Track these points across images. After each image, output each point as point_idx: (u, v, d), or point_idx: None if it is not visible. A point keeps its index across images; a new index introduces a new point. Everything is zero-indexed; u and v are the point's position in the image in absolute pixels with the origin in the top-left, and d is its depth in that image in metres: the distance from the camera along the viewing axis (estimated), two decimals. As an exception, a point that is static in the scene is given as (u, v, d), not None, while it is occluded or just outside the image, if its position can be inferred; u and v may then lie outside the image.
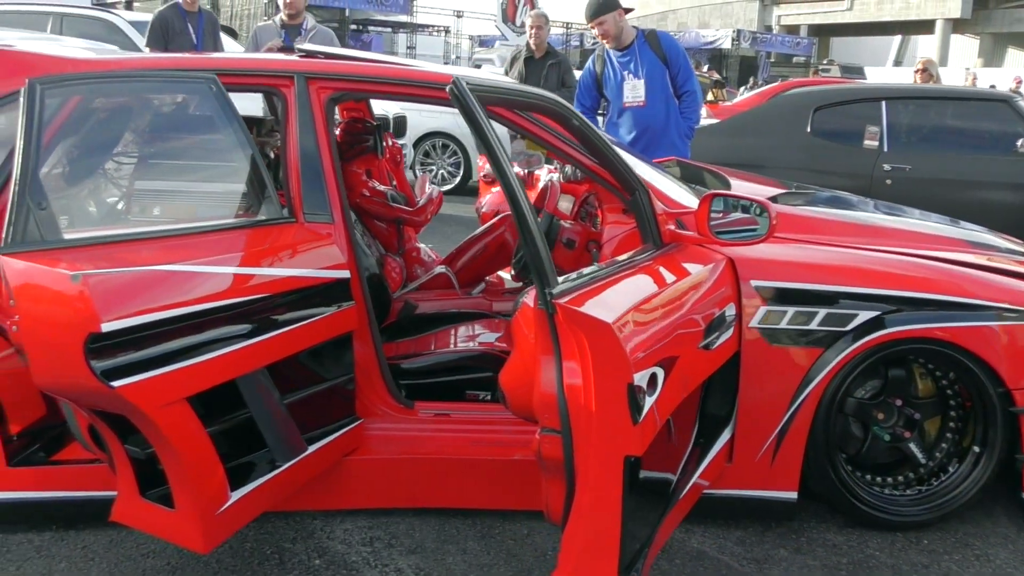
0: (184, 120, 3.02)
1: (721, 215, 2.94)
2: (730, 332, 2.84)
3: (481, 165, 5.57)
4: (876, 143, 6.94)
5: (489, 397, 3.40)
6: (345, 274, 2.94)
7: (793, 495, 3.05)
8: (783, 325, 2.96)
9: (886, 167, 6.77)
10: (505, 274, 4.77)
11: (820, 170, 6.70)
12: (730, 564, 2.88)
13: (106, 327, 2.10)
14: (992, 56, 41.96)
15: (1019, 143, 6.66)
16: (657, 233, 2.89)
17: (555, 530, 2.18)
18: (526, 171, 4.46)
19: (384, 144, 4.34)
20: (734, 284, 2.91)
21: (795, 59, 43.02)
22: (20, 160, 2.27)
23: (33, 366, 2.17)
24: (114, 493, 2.83)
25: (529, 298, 2.46)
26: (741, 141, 7.09)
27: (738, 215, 3.00)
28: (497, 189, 5.37)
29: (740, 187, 3.54)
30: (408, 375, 3.38)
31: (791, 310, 2.97)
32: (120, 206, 2.99)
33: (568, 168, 3.99)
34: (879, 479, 3.20)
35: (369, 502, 3.11)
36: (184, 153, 3.04)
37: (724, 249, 2.90)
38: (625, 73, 5.53)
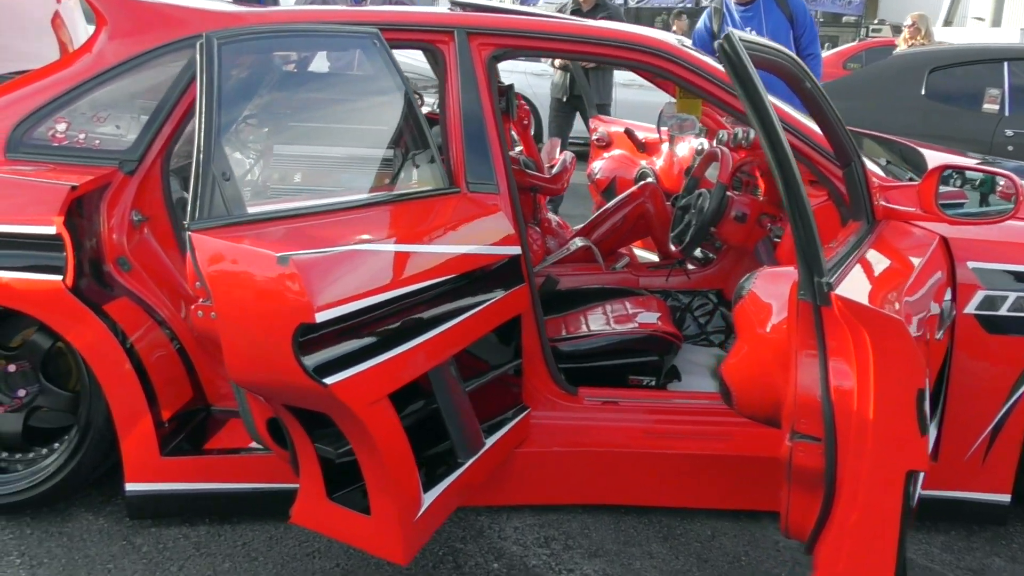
0: (348, 80, 2.76)
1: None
2: (951, 319, 2.55)
3: (593, 127, 5.26)
4: (996, 107, 6.54)
5: (654, 383, 3.14)
6: (516, 250, 2.68)
7: (1006, 498, 2.77)
8: (1003, 311, 2.66)
9: (1008, 132, 6.38)
10: (639, 250, 4.49)
11: (935, 135, 6.29)
12: (943, 573, 2.61)
13: (320, 317, 1.85)
14: (1052, 15, 40.44)
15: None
16: (871, 209, 2.59)
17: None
18: (676, 135, 4.15)
19: (515, 105, 4.05)
20: (948, 266, 2.61)
21: (844, 18, 41.85)
22: (203, 124, 2.02)
23: (229, 359, 1.92)
24: (273, 486, 2.64)
25: (756, 283, 2.19)
26: (851, 104, 6.71)
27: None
28: (610, 154, 5.08)
29: (934, 157, 3.21)
30: (567, 358, 3.12)
31: (1013, 294, 2.66)
32: (289, 176, 2.74)
33: (725, 133, 3.68)
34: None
35: (537, 497, 2.87)
36: (348, 116, 2.78)
37: (954, 228, 2.59)
38: (748, 29, 5.18)
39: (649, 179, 4.85)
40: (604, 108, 6.41)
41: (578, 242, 3.80)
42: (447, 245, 2.41)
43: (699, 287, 3.72)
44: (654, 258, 4.51)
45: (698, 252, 3.48)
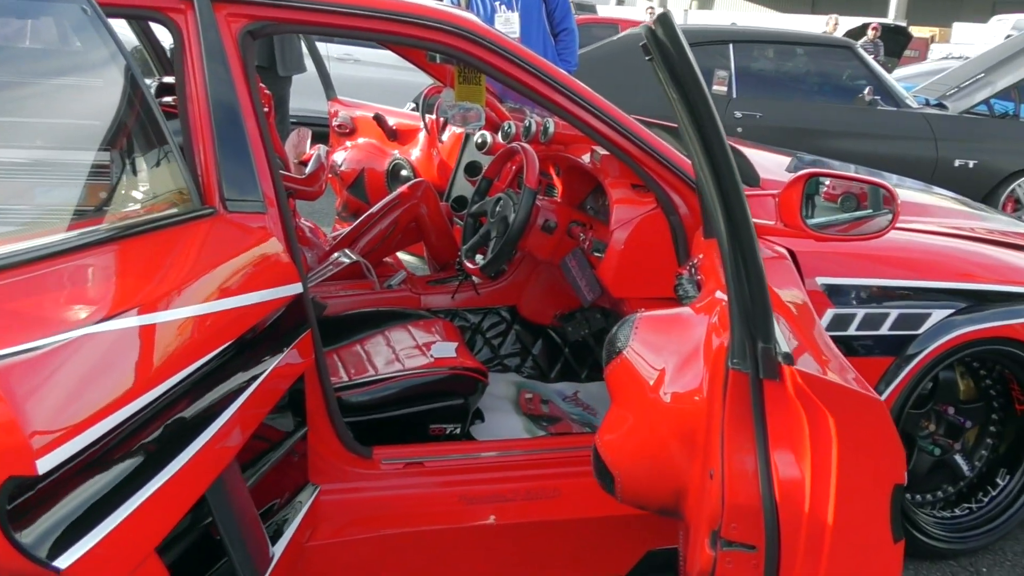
0: (47, 57, 1.94)
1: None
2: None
3: (334, 111, 4.58)
4: (725, 88, 6.60)
5: (459, 430, 2.60)
6: (297, 288, 2.04)
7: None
8: (851, 331, 2.40)
9: (737, 114, 6.46)
10: (409, 256, 3.91)
11: (671, 117, 6.27)
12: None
13: (44, 463, 1.12)
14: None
15: (864, 92, 6.56)
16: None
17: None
18: (463, 130, 3.58)
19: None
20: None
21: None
22: None
23: None
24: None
25: (638, 332, 1.71)
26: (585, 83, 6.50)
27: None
28: (355, 143, 4.45)
29: (761, 158, 2.90)
30: (353, 410, 2.51)
31: (862, 311, 2.41)
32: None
33: (510, 125, 3.18)
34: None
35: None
36: (45, 107, 1.94)
37: (803, 243, 2.26)
38: (497, 4, 4.74)
39: (404, 171, 4.29)
40: (285, 82, 5.79)
41: (344, 259, 3.16)
42: (206, 303, 1.70)
43: (490, 304, 3.22)
44: (418, 262, 3.97)
45: (477, 258, 2.98)
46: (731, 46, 6.64)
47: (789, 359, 1.33)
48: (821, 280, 2.35)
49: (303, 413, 2.18)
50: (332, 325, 2.91)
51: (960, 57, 10.82)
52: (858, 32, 13.29)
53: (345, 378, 2.59)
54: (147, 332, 1.48)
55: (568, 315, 3.21)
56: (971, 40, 18.68)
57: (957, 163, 6.39)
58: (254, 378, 1.77)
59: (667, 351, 1.65)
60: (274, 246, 2.02)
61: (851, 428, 1.36)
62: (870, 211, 2.35)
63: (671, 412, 1.60)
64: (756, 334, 1.37)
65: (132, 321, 1.44)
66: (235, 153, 2.07)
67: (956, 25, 25.65)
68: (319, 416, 2.25)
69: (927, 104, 6.83)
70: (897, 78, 8.82)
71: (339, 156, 4.51)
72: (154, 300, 1.53)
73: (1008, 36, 13.51)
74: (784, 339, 1.39)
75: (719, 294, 1.72)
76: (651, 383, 1.64)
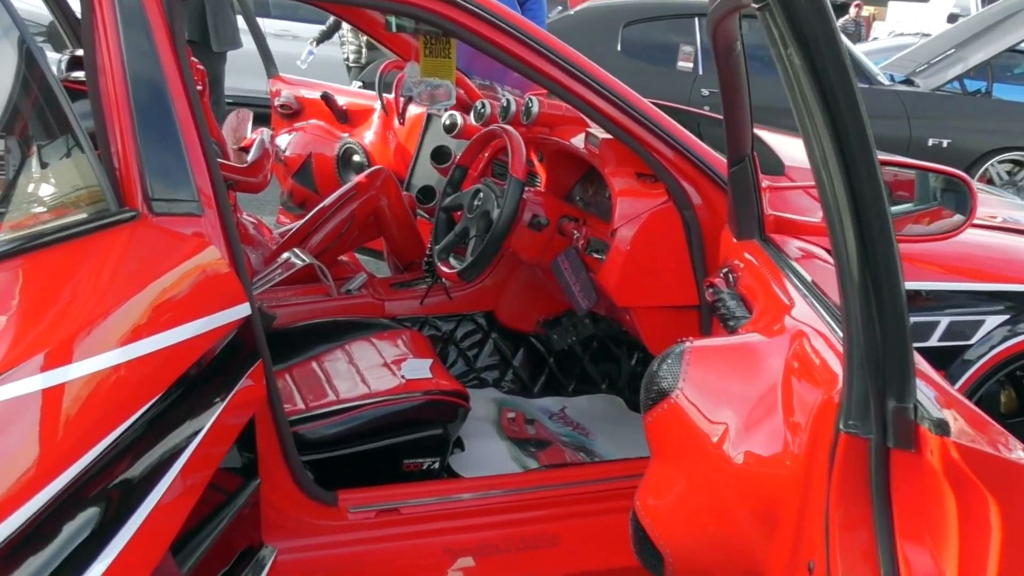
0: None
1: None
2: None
3: (276, 90, 4.12)
4: (691, 65, 6.27)
5: (437, 464, 2.21)
6: (244, 311, 1.63)
7: None
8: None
9: (704, 92, 6.13)
10: (365, 255, 3.49)
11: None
12: None
13: None
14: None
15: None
16: (761, 218, 1.83)
17: None
18: (430, 110, 3.16)
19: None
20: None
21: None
22: None
23: None
24: None
25: (689, 369, 1.34)
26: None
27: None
28: (301, 125, 4.02)
29: (773, 140, 2.54)
30: (313, 447, 2.10)
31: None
32: None
33: (485, 104, 2.78)
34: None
35: None
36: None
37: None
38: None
39: (357, 156, 3.86)
40: (220, 59, 5.31)
41: (296, 260, 2.73)
42: (128, 347, 1.27)
43: (464, 309, 2.82)
44: (374, 261, 3.56)
45: (452, 260, 2.60)
46: (697, 20, 6.28)
47: (945, 428, 0.97)
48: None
49: (252, 457, 1.78)
50: (283, 339, 2.50)
51: (917, 34, 10.64)
52: (840, 9, 13.13)
53: (301, 406, 2.18)
54: (51, 397, 1.06)
55: (553, 321, 2.83)
56: (903, 18, 18.62)
57: (931, 142, 6.16)
58: (193, 435, 1.36)
59: (732, 395, 1.29)
60: (213, 257, 1.60)
61: (1022, 518, 1.00)
62: (913, 205, 2.01)
63: (743, 477, 1.24)
64: (886, 390, 1.00)
65: (23, 386, 1.03)
66: (162, 140, 1.64)
67: (891, 4, 25.70)
68: (273, 460, 1.85)
69: (892, 81, 6.57)
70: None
71: (283, 140, 4.07)
72: (56, 349, 1.11)
73: (950, 15, 13.40)
74: (931, 399, 1.02)
75: (792, 319, 1.36)
76: (713, 438, 1.27)
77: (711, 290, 1.76)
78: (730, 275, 1.75)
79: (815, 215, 1.99)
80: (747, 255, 1.73)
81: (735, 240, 1.82)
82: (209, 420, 1.43)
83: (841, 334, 1.25)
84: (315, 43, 6.28)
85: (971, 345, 2.12)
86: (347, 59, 6.85)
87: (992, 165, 6.33)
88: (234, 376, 1.57)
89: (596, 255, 2.23)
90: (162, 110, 1.64)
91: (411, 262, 3.02)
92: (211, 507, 1.64)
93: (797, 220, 1.88)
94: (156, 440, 1.24)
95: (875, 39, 13.59)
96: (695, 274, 2.10)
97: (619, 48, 6.15)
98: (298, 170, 3.99)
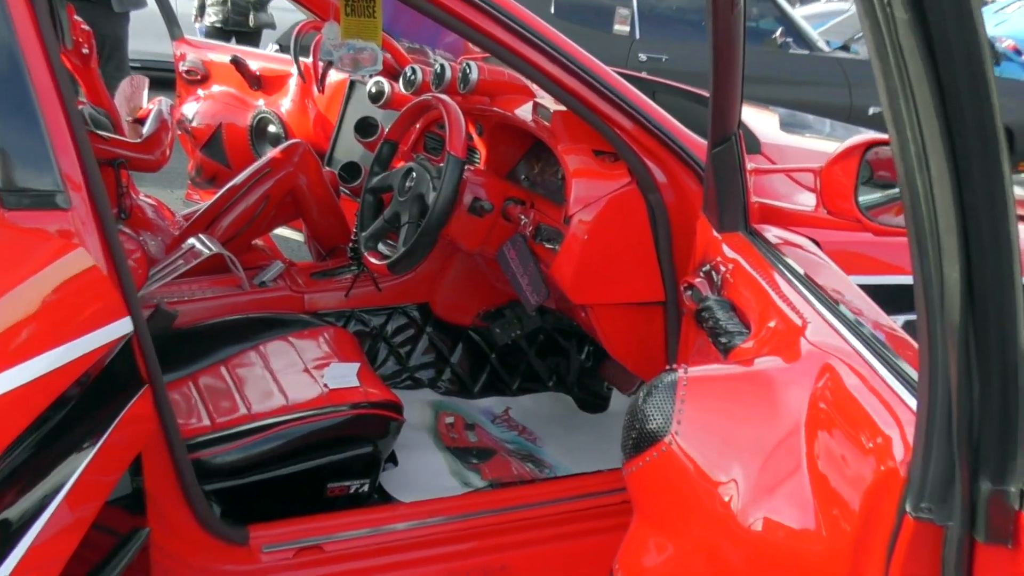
0: None
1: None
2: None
3: (181, 54, 3.71)
4: (627, 28, 6.00)
5: (367, 487, 1.92)
6: (125, 327, 1.31)
7: None
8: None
9: (642, 57, 5.87)
10: (291, 232, 3.15)
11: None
12: None
13: None
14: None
15: (776, 33, 6.07)
16: (747, 207, 1.56)
17: None
18: (353, 76, 2.81)
19: (68, 25, 2.44)
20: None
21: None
22: None
23: None
24: None
25: (686, 411, 1.08)
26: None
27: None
28: (209, 92, 3.65)
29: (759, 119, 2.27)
30: (217, 475, 1.79)
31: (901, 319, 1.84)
32: None
33: (415, 70, 2.46)
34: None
35: None
36: None
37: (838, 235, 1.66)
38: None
39: (272, 127, 3.51)
40: (122, 20, 4.87)
41: (202, 247, 2.38)
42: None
43: (395, 302, 2.51)
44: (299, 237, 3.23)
45: (382, 248, 2.30)
46: (631, -20, 6.01)
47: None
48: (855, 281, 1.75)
49: (139, 489, 1.48)
50: (187, 340, 2.18)
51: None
52: None
53: (207, 423, 1.86)
54: None
55: (495, 313, 2.54)
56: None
57: (872, 111, 6.00)
58: (48, 498, 1.05)
59: (743, 442, 1.02)
60: (83, 261, 1.28)
61: None
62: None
63: (762, 550, 0.97)
64: (980, 467, 0.74)
65: None
66: (14, 117, 1.31)
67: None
68: (167, 497, 1.55)
69: (830, 47, 6.42)
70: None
71: (189, 109, 3.68)
72: None
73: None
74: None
75: (810, 343, 1.09)
76: (724, 497, 1.00)
77: (690, 293, 1.50)
78: (713, 275, 1.48)
79: (801, 202, 1.75)
80: (732, 252, 1.47)
81: (716, 233, 1.55)
82: (76, 470, 1.12)
83: (878, 366, 1.00)
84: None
85: None
86: (208, 20, 6.12)
87: (931, 135, 6.23)
88: (110, 411, 1.26)
89: (547, 244, 1.94)
90: (13, 79, 1.30)
91: (334, 247, 2.69)
92: (88, 566, 1.34)
93: (786, 209, 1.62)
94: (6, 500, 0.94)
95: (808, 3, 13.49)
96: (661, 267, 1.84)
97: (552, 11, 5.86)
98: (207, 142, 3.62)
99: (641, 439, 1.07)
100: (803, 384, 1.03)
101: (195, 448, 1.77)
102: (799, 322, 1.16)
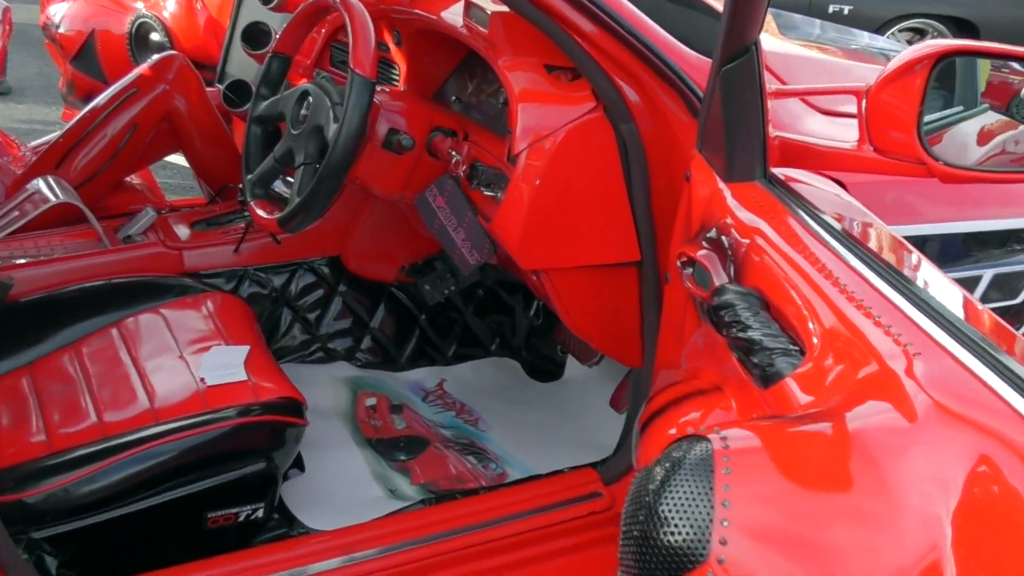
0: None
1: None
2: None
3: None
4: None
5: (262, 512, 1.48)
6: None
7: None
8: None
9: None
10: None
11: None
12: None
13: None
14: None
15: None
16: (766, 148, 1.11)
17: None
18: None
19: None
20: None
21: None
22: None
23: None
24: None
25: (733, 492, 0.63)
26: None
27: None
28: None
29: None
30: (44, 518, 1.33)
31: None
32: None
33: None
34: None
35: None
36: None
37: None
38: None
39: (155, 34, 2.94)
40: None
41: (49, 192, 1.86)
42: None
43: (299, 256, 2.03)
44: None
45: (280, 189, 1.82)
46: None
47: None
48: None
49: None
50: (24, 316, 1.69)
51: None
52: None
53: (42, 438, 1.40)
54: None
55: (422, 265, 2.08)
56: None
57: (832, 8, 5.61)
58: None
59: (840, 564, 0.60)
60: None
61: None
62: (960, 110, 1.35)
63: None
64: None
65: None
66: None
67: None
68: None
69: None
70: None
71: (56, 11, 3.11)
72: None
73: None
74: None
75: (928, 393, 0.66)
76: None
77: (690, 271, 1.06)
78: (724, 243, 1.04)
79: (821, 133, 1.30)
80: (750, 215, 1.03)
81: (721, 182, 1.10)
82: None
83: None
84: None
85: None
86: None
87: (893, 34, 5.83)
88: None
89: (487, 191, 1.48)
90: None
91: (224, 187, 2.19)
92: None
93: (816, 146, 1.18)
94: None
95: None
96: (635, 218, 1.40)
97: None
98: (78, 52, 3.06)
99: (657, 563, 0.65)
100: (937, 463, 0.60)
101: (29, 479, 1.32)
102: (890, 345, 0.73)
